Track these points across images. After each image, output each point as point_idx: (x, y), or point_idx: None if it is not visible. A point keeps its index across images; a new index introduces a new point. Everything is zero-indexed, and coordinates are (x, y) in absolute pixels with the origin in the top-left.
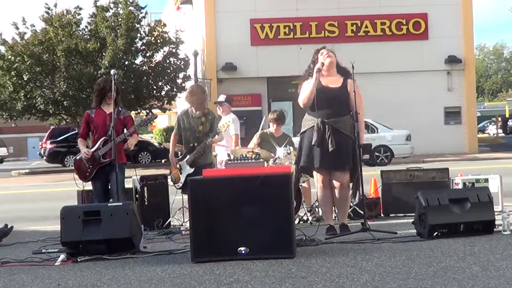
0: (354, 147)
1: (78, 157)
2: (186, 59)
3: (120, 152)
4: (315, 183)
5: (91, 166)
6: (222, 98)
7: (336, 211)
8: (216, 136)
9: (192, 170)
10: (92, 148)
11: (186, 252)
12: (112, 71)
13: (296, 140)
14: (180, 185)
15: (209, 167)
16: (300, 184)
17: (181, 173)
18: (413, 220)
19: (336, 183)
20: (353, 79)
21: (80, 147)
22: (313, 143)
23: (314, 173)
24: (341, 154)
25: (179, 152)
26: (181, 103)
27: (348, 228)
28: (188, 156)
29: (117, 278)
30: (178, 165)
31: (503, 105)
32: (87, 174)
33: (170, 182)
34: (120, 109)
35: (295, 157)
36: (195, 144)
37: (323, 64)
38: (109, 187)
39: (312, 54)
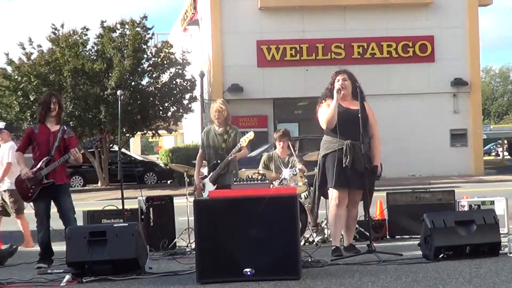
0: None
1: (20, 176)
2: (193, 80)
3: (63, 173)
4: (330, 202)
5: (33, 187)
6: (1, 125)
7: (344, 232)
8: (239, 151)
9: (214, 187)
10: (34, 167)
11: (191, 273)
12: (118, 92)
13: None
14: None
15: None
16: (305, 205)
17: (203, 191)
18: (419, 242)
19: (350, 202)
20: (360, 101)
21: (20, 164)
22: (345, 164)
23: (331, 193)
24: (367, 174)
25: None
26: (188, 124)
27: (355, 247)
28: (211, 173)
29: None
30: (201, 184)
31: (509, 128)
32: (29, 194)
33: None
34: (65, 128)
35: (318, 180)
36: (218, 161)
37: (343, 87)
38: (61, 209)
39: (332, 75)
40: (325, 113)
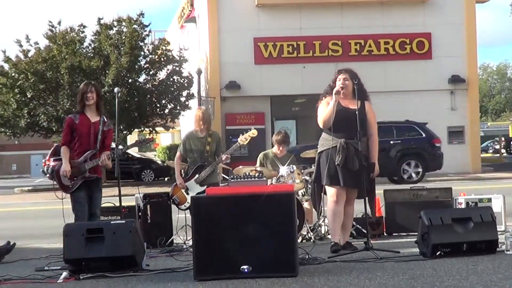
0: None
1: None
2: (190, 77)
3: (98, 166)
4: (327, 199)
5: (75, 179)
6: None
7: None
8: (238, 149)
9: (203, 188)
10: (73, 157)
11: (188, 270)
12: (115, 89)
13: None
14: (188, 205)
15: (216, 186)
16: (302, 202)
17: (187, 193)
18: (416, 239)
19: (347, 201)
20: (357, 99)
21: (63, 158)
22: (337, 162)
23: (328, 190)
24: (362, 173)
25: (181, 171)
26: (185, 121)
27: (352, 245)
28: (197, 175)
29: None
30: (185, 186)
31: (506, 125)
32: (70, 186)
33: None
34: (105, 120)
35: (314, 175)
36: (205, 163)
37: (342, 88)
38: (91, 204)
39: (334, 73)
40: (322, 113)
